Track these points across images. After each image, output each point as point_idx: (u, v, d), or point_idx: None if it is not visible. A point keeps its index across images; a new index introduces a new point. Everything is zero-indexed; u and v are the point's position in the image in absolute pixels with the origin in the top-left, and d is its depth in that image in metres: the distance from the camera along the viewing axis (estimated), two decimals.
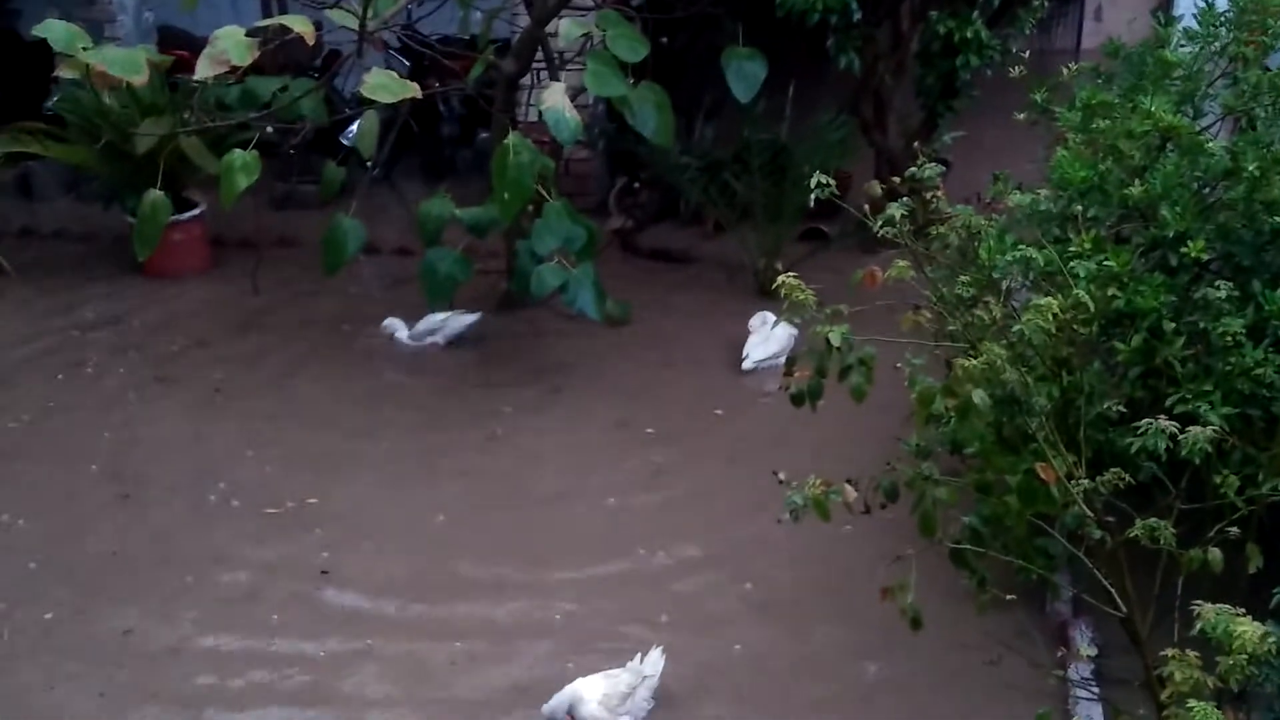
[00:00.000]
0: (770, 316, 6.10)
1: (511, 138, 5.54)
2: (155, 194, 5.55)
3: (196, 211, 7.16)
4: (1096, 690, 3.73)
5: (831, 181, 3.38)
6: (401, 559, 4.69)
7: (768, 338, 6.13)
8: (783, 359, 6.00)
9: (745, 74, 5.87)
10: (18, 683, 4.01)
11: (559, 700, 3.67)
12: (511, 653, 4.15)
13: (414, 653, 4.17)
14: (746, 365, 6.06)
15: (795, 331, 6.02)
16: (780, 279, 3.31)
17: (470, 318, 6.36)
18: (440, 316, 6.31)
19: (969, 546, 3.32)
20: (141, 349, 6.41)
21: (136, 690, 3.99)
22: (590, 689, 3.67)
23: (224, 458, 5.39)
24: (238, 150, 5.50)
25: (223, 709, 3.93)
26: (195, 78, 5.18)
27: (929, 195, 3.33)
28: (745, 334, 6.20)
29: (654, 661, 3.86)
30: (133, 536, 4.83)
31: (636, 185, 7.85)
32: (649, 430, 5.62)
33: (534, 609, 4.39)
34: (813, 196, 3.42)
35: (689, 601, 4.43)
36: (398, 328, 6.35)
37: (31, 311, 6.82)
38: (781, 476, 3.75)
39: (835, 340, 3.19)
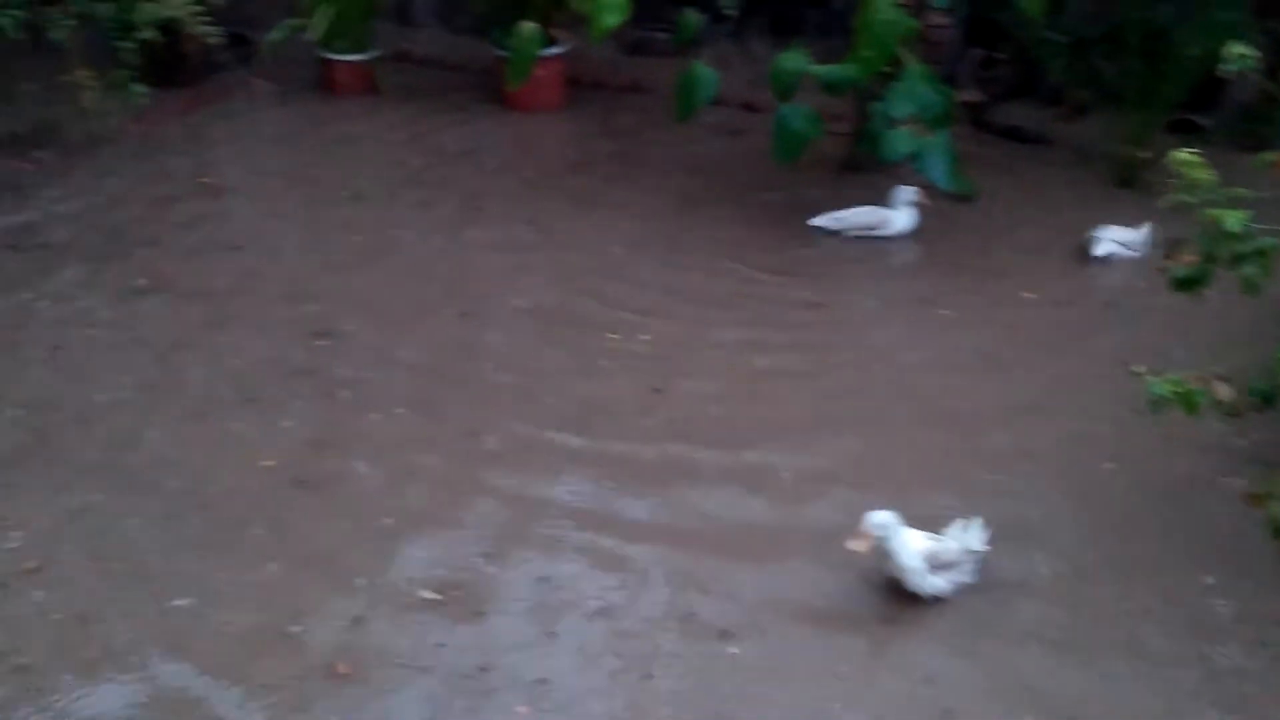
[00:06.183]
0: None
1: None
2: (530, 25, 5.77)
3: (559, 49, 7.39)
4: None
5: (1248, 53, 3.14)
6: (721, 406, 4.78)
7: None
8: (1133, 251, 5.74)
9: None
10: (361, 484, 4.29)
11: (880, 518, 3.64)
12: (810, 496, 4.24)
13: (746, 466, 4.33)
14: (1099, 252, 5.79)
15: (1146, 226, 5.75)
16: (1172, 154, 3.14)
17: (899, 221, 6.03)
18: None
19: None
20: (487, 178, 6.69)
21: (476, 485, 4.28)
22: (914, 540, 3.67)
23: (558, 287, 5.60)
24: None
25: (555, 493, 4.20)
26: None
27: None
28: (1094, 222, 5.91)
29: (978, 536, 3.82)
30: (476, 352, 5.08)
31: (995, 58, 7.53)
32: (978, 310, 5.47)
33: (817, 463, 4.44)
34: (1224, 68, 3.18)
35: (1008, 490, 4.31)
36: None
37: (394, 132, 7.26)
38: (1137, 368, 3.62)
39: (1234, 226, 3.00)
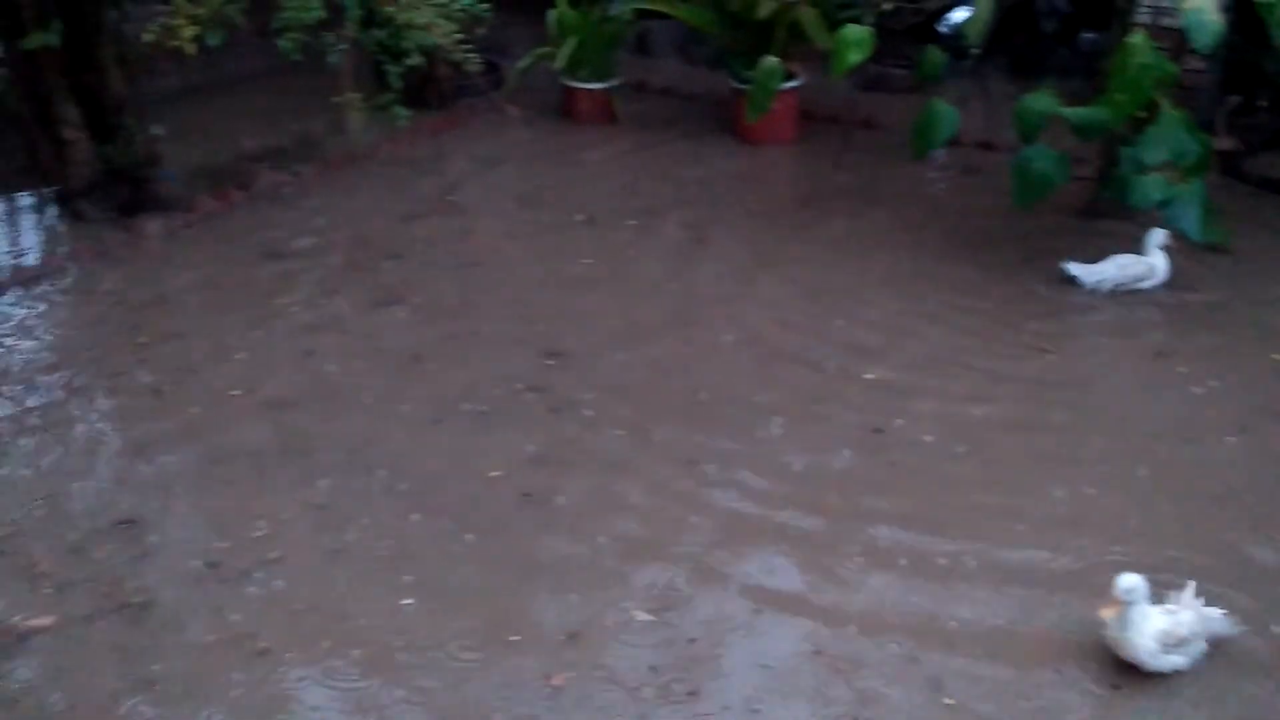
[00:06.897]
0: None
1: (1136, 37, 5.25)
2: (772, 60, 5.82)
3: (796, 83, 7.41)
4: None
5: None
6: (942, 450, 4.68)
7: None
8: None
9: None
10: (582, 502, 4.41)
11: (1129, 582, 3.49)
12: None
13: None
14: None
15: None
16: None
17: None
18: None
19: None
20: (716, 207, 6.75)
21: (692, 512, 4.30)
22: (1149, 617, 3.50)
23: (779, 319, 5.61)
24: (854, 26, 5.63)
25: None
26: None
27: None
28: None
29: (1218, 621, 3.61)
30: (697, 380, 5.11)
31: (1253, 105, 7.16)
32: (1220, 369, 5.17)
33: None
34: None
35: (1251, 560, 4.05)
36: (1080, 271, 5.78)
37: (627, 159, 7.42)
38: None
39: None
